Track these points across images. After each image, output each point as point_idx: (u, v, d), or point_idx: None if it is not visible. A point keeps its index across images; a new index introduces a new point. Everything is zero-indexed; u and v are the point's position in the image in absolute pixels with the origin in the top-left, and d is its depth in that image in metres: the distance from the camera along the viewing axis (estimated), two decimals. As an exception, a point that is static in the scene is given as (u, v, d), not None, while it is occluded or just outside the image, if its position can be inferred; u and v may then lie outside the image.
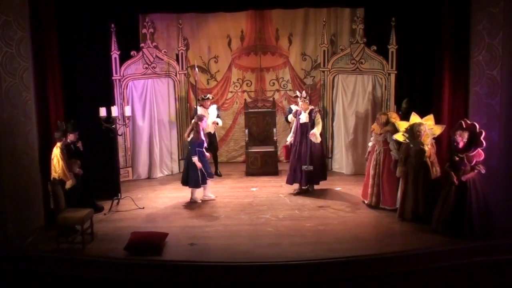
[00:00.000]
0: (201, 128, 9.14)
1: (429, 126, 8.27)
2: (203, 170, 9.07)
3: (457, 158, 7.63)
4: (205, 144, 9.21)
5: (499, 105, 8.06)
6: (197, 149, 9.01)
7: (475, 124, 7.67)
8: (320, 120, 9.45)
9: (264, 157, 10.72)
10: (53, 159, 7.83)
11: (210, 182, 9.41)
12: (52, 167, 7.81)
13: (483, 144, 7.56)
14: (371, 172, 8.90)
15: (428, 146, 8.15)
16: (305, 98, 9.49)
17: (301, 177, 9.49)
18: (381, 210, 8.75)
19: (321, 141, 9.59)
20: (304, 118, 9.45)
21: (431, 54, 9.45)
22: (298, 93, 9.87)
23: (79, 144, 8.43)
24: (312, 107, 9.62)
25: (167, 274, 7.12)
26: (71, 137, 8.24)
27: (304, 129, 9.45)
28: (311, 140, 9.33)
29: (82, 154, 8.42)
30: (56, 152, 7.81)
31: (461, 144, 7.65)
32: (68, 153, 7.99)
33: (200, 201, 9.30)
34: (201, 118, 9.21)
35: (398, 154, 8.54)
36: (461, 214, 7.63)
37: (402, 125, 8.44)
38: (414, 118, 8.37)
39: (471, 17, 8.32)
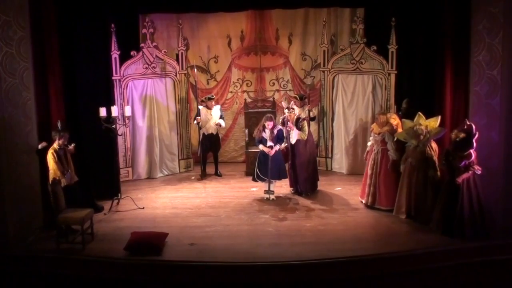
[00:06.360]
0: (266, 128, 9.15)
1: (431, 128, 8.26)
2: (256, 168, 9.30)
3: (450, 158, 7.66)
4: (269, 143, 9.17)
5: (499, 105, 8.05)
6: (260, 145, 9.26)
7: (471, 126, 7.66)
8: (306, 127, 9.37)
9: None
10: (47, 159, 7.82)
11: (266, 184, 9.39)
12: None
13: (473, 145, 7.56)
14: (369, 171, 8.92)
15: (426, 148, 8.15)
16: (293, 109, 9.51)
17: (297, 183, 9.59)
18: (381, 210, 8.74)
19: (312, 151, 9.65)
20: (295, 136, 9.36)
21: (431, 54, 9.47)
22: (283, 104, 9.87)
23: (71, 147, 7.99)
24: (298, 115, 9.53)
25: (167, 274, 7.13)
26: (60, 142, 7.82)
27: (297, 146, 9.45)
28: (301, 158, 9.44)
29: (75, 156, 8.20)
30: (49, 152, 7.78)
31: (453, 143, 7.69)
32: (66, 154, 7.95)
33: (288, 196, 9.45)
34: (268, 118, 9.21)
35: (396, 154, 8.56)
36: (452, 214, 7.66)
37: (407, 124, 8.45)
38: (418, 118, 8.36)
39: (471, 17, 8.31)
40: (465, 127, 7.71)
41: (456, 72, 8.74)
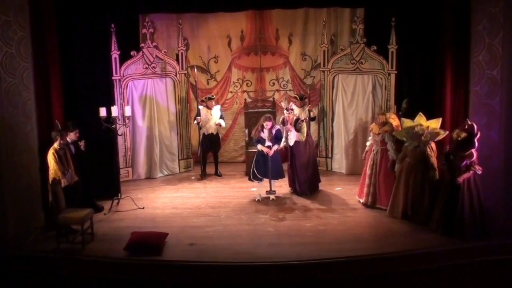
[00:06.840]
0: (265, 128, 9.12)
1: (432, 129, 8.25)
2: (254, 168, 9.26)
3: (451, 157, 7.66)
4: (267, 143, 9.15)
5: (499, 105, 8.06)
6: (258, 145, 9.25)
7: (473, 125, 7.67)
8: (305, 129, 9.37)
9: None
10: (47, 159, 7.83)
11: (262, 184, 9.36)
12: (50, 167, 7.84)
13: (475, 145, 7.56)
14: (368, 171, 8.91)
15: (426, 148, 8.15)
16: (292, 110, 9.50)
17: (296, 183, 9.58)
18: (380, 210, 8.74)
19: (312, 152, 9.64)
20: (293, 137, 9.35)
21: (431, 54, 9.47)
22: (283, 104, 9.86)
23: (82, 143, 8.39)
24: (297, 116, 9.53)
25: (167, 274, 7.13)
26: (71, 136, 8.24)
27: (296, 147, 9.44)
28: (299, 159, 9.40)
29: (83, 154, 8.41)
30: (50, 152, 7.80)
31: (454, 143, 7.68)
32: (66, 154, 7.97)
33: (272, 198, 9.32)
34: (267, 118, 9.18)
35: (396, 155, 8.55)
36: (452, 214, 7.66)
37: (407, 123, 8.44)
38: (419, 118, 8.36)
39: (471, 17, 8.32)
40: (466, 126, 7.71)
41: (456, 72, 8.74)
